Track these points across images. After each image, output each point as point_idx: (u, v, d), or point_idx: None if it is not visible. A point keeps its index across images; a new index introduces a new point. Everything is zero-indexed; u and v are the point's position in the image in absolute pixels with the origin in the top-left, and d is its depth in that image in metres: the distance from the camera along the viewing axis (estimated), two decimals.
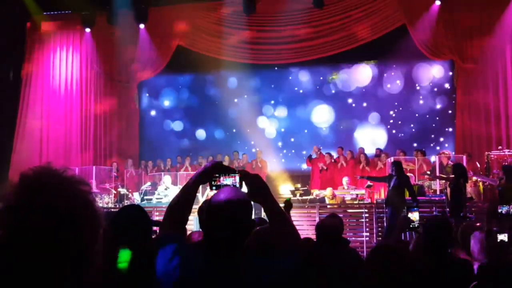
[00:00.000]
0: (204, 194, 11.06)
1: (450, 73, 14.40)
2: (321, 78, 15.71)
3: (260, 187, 2.05)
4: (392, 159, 12.50)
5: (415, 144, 14.25)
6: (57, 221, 1.10)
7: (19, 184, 1.14)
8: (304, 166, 14.43)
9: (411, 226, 4.48)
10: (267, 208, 2.04)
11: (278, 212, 2.06)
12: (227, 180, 2.06)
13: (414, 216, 4.54)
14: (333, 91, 15.59)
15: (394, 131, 15.13)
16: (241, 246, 1.90)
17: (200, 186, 2.13)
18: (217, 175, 2.08)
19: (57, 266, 1.11)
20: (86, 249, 1.15)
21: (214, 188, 2.07)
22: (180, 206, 2.09)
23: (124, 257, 2.55)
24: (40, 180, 1.14)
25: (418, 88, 14.99)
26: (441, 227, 3.34)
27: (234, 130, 15.75)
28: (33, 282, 1.10)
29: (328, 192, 12.10)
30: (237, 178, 2.07)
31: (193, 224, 9.26)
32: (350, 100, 15.52)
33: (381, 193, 12.74)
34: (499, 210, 5.54)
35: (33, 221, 1.09)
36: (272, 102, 15.90)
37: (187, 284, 1.85)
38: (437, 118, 14.91)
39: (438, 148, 14.28)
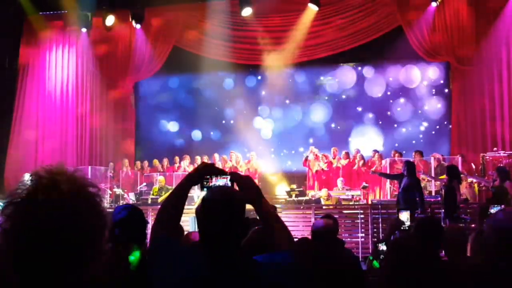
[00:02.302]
0: (201, 195, 11.06)
1: (446, 75, 14.45)
2: (318, 79, 15.74)
3: (251, 189, 2.08)
4: (387, 160, 12.55)
5: (411, 143, 14.30)
6: (63, 219, 1.13)
7: (31, 181, 1.18)
8: (300, 167, 14.44)
9: (402, 228, 4.49)
10: (258, 209, 2.07)
11: (270, 213, 2.09)
12: (219, 181, 2.10)
13: (405, 217, 4.56)
14: (329, 92, 15.62)
15: (389, 133, 15.16)
16: (236, 244, 1.93)
17: (198, 188, 2.16)
18: (208, 176, 2.11)
19: (58, 263, 1.13)
20: (88, 248, 1.17)
21: (205, 189, 2.10)
22: (173, 206, 2.12)
23: (135, 253, 2.61)
24: (52, 179, 1.18)
25: (413, 89, 15.03)
26: (431, 228, 3.35)
27: (229, 131, 15.75)
28: (35, 277, 1.12)
29: (323, 193, 12.13)
30: (228, 179, 2.10)
31: (189, 225, 9.28)
32: (346, 101, 15.54)
33: (376, 194, 12.78)
34: (490, 210, 5.57)
35: (40, 217, 1.12)
36: (268, 103, 15.90)
37: (185, 284, 1.86)
38: (433, 119, 14.94)
39: (433, 149, 14.31)
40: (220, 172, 2.13)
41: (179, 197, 2.12)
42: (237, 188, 2.09)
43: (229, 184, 2.10)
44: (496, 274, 2.31)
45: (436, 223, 3.51)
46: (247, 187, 2.08)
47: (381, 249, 4.55)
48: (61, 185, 1.17)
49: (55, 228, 1.12)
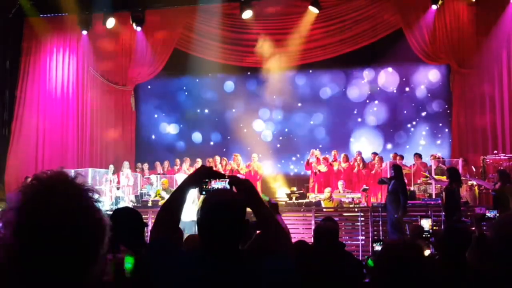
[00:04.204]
0: (200, 197, 11.05)
1: (446, 77, 14.43)
2: (318, 81, 15.73)
3: (250, 192, 2.09)
4: (388, 163, 12.53)
5: (412, 146, 14.30)
6: (62, 224, 1.13)
7: (31, 185, 1.18)
8: (300, 170, 14.42)
9: (424, 235, 4.44)
10: (257, 213, 2.08)
11: (268, 216, 2.09)
12: (218, 185, 2.11)
13: (426, 224, 4.52)
14: (329, 95, 15.60)
15: (390, 135, 15.15)
16: (236, 246, 1.93)
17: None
18: (207, 180, 2.12)
19: (57, 266, 1.13)
20: (87, 252, 1.17)
21: (204, 192, 2.10)
22: (171, 208, 2.12)
23: (129, 260, 2.60)
24: (52, 184, 1.18)
25: (414, 92, 15.02)
26: (462, 235, 3.22)
27: (230, 134, 15.74)
28: (35, 280, 1.12)
29: (326, 192, 12.04)
30: (227, 182, 2.11)
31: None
32: (346, 104, 15.51)
33: (378, 197, 12.76)
34: (487, 214, 5.57)
35: (38, 223, 1.12)
36: (269, 105, 15.89)
37: (184, 286, 1.86)
38: (433, 122, 14.94)
39: (434, 152, 14.30)
40: (219, 175, 2.14)
41: (177, 199, 2.13)
42: (236, 191, 2.09)
43: (228, 187, 2.11)
44: (504, 280, 2.30)
45: (466, 231, 3.36)
46: (246, 190, 2.09)
47: (376, 249, 4.61)
48: (60, 190, 1.17)
49: (54, 233, 1.12)
